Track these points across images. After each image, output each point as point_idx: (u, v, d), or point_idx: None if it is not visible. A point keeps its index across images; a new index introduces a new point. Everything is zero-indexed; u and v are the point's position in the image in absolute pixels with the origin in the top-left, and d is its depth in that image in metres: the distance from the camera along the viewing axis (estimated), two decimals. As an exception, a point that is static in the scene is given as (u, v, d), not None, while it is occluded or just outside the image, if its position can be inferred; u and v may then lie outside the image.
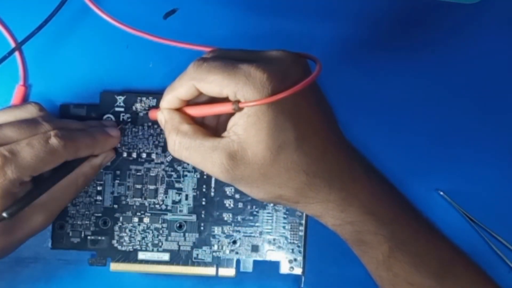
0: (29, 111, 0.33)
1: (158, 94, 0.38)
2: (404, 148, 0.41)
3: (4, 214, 0.30)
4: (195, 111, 0.32)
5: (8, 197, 0.31)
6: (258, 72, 0.28)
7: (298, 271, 0.39)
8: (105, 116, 0.38)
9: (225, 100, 0.30)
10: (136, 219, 0.38)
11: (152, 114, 0.34)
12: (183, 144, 0.31)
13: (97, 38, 0.41)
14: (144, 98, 0.39)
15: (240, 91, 0.29)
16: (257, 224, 0.39)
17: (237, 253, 0.38)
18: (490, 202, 0.40)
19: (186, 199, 0.38)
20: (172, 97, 0.32)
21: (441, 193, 0.40)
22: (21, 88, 0.40)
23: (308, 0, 0.42)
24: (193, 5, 0.42)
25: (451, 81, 0.42)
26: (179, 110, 0.32)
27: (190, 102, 0.33)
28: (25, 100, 0.40)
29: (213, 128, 0.34)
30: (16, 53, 0.40)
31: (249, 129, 0.29)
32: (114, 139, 0.36)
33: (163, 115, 0.33)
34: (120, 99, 0.38)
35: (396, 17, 0.43)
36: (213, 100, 0.32)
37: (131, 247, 0.38)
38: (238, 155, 0.29)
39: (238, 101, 0.29)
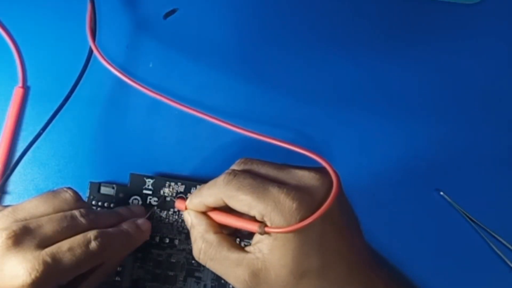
0: (66, 201, 0.33)
1: (187, 180, 0.38)
2: (404, 148, 0.41)
3: None
4: (221, 219, 0.32)
5: None
6: (288, 201, 0.29)
7: None
8: (132, 198, 0.38)
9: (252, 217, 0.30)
10: None
11: (179, 206, 0.34)
12: (208, 254, 0.31)
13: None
14: (172, 184, 0.38)
15: (268, 215, 0.29)
16: None
17: None
18: (490, 202, 0.40)
19: None
20: (199, 203, 0.32)
21: (441, 193, 0.40)
22: (20, 90, 0.39)
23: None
24: (193, 5, 0.41)
25: (451, 81, 0.42)
26: (205, 213, 0.33)
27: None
28: (23, 102, 0.40)
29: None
30: (15, 54, 0.40)
31: (274, 250, 0.29)
32: (146, 234, 0.36)
33: (190, 218, 0.33)
34: (149, 182, 0.38)
35: (396, 17, 0.43)
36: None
37: None
38: (261, 274, 0.30)
39: (264, 225, 0.29)
